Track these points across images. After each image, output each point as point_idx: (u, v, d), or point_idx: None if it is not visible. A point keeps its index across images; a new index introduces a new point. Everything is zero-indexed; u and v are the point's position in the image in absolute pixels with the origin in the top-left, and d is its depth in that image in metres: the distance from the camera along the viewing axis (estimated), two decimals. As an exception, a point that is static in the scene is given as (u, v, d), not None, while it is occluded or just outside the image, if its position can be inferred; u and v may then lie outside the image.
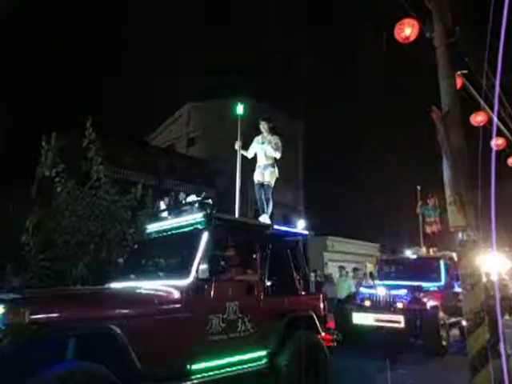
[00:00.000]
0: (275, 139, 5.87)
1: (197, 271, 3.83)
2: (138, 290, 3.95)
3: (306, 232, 5.53)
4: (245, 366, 4.14)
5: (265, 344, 4.37)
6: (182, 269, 3.97)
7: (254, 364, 4.25)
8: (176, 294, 3.71)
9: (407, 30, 5.10)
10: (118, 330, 3.11)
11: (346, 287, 10.16)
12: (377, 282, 9.61)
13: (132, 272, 4.64)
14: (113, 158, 11.56)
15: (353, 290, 10.08)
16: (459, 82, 5.77)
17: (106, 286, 4.65)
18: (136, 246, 5.30)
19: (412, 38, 5.12)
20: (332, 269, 16.85)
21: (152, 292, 3.76)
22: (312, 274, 11.08)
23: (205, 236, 4.09)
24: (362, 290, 9.00)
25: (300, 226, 5.55)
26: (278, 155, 5.83)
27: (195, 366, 3.67)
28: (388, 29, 5.26)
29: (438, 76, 5.28)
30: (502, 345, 3.98)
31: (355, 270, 12.44)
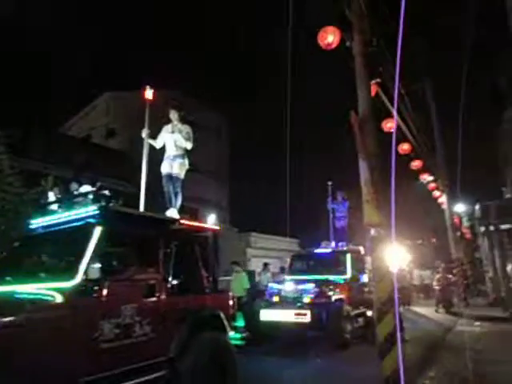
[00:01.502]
0: (186, 128, 5.49)
1: (86, 271, 3.39)
2: (7, 296, 3.41)
3: (217, 227, 5.26)
4: (143, 376, 3.68)
5: (166, 349, 3.98)
6: (69, 269, 3.49)
7: (154, 372, 3.80)
8: (58, 298, 3.20)
9: (330, 38, 5.38)
10: None
11: (238, 284, 9.64)
12: (287, 276, 9.56)
13: (9, 274, 3.99)
14: (20, 147, 10.46)
15: (247, 286, 9.68)
16: (374, 89, 6.25)
17: None
18: (17, 244, 4.60)
19: (334, 45, 5.41)
20: (255, 264, 17.18)
21: (25, 297, 3.25)
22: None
23: (97, 231, 3.64)
24: (271, 285, 8.96)
25: (211, 220, 5.25)
26: (189, 146, 5.49)
27: (83, 381, 3.18)
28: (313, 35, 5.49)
29: (355, 83, 5.66)
30: (398, 332, 4.44)
31: (265, 264, 12.35)
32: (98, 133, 22.67)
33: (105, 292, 3.46)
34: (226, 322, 4.75)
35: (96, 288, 3.41)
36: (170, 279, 4.30)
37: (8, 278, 3.89)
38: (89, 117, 24.32)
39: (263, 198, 26.71)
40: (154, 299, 4.00)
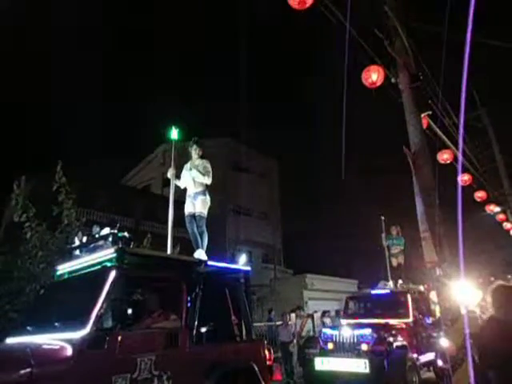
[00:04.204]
0: (203, 163, 5.32)
1: (97, 320, 3.12)
2: (15, 349, 3.23)
3: (248, 268, 4.84)
4: None
5: None
6: (80, 317, 3.20)
7: None
8: (66, 351, 2.94)
9: (373, 76, 5.40)
10: None
11: None
12: (342, 321, 8.81)
13: (30, 323, 3.80)
14: (86, 200, 11.33)
15: None
16: (425, 122, 6.10)
17: None
18: (42, 291, 4.42)
19: (378, 83, 5.42)
20: (312, 307, 16.57)
21: (29, 349, 2.99)
22: (293, 315, 10.76)
23: (112, 275, 3.37)
24: (325, 331, 8.41)
25: (241, 261, 4.87)
26: (207, 180, 5.24)
27: None
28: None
29: (405, 117, 5.59)
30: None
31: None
32: (156, 182, 24.01)
33: (118, 343, 3.15)
34: (260, 376, 4.17)
35: (108, 339, 3.12)
36: (195, 327, 3.87)
37: (29, 328, 3.72)
38: (147, 168, 25.96)
39: (318, 239, 26.20)
40: (175, 350, 3.60)
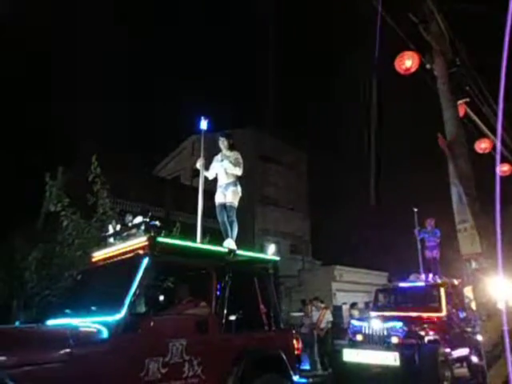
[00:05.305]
0: (235, 155, 5.42)
1: (131, 305, 3.26)
2: (54, 330, 3.42)
3: (276, 258, 4.96)
4: None
5: None
6: (115, 302, 3.35)
7: None
8: (102, 333, 3.10)
9: (407, 62, 5.21)
10: (10, 383, 2.51)
11: None
12: (372, 313, 8.77)
13: (68, 306, 4.03)
14: (119, 190, 11.65)
15: None
16: (462, 110, 5.84)
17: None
18: (79, 277, 4.67)
19: (413, 70, 5.21)
20: (341, 299, 16.44)
21: (69, 331, 3.16)
22: (321, 305, 10.72)
23: (145, 263, 3.51)
24: (354, 322, 8.36)
25: (270, 251, 5.02)
26: (238, 171, 5.35)
27: None
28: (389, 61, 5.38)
29: (440, 105, 5.37)
30: None
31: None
32: (186, 173, 24.39)
33: (151, 327, 3.29)
34: (288, 364, 4.20)
35: (141, 323, 3.27)
36: (224, 315, 3.96)
37: (67, 311, 3.91)
38: (177, 159, 26.39)
39: (348, 231, 25.85)
40: (205, 336, 3.71)
